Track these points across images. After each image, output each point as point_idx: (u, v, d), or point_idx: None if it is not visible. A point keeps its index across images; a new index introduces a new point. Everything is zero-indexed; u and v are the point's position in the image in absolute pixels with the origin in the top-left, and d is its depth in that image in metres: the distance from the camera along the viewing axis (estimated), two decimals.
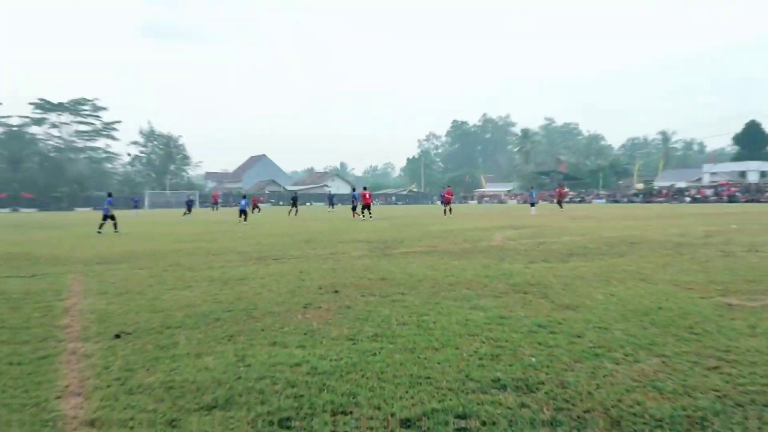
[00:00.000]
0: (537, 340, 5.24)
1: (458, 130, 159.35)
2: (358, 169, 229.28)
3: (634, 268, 9.51)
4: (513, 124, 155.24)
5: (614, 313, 6.20)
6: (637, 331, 5.47)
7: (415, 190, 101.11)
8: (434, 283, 8.33)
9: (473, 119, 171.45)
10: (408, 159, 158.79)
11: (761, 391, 3.94)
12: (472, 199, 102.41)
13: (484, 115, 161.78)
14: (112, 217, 23.21)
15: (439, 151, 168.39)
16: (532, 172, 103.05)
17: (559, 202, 43.20)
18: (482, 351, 4.94)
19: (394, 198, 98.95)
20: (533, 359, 4.71)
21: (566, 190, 43.18)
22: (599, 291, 7.50)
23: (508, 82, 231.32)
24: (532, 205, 39.68)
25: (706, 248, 12.31)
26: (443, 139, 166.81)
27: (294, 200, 43.09)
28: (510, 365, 4.58)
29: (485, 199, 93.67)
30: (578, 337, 5.32)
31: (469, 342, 5.22)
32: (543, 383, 4.18)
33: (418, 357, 4.80)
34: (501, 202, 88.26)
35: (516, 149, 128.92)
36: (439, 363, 4.66)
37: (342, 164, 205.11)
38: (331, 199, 53.26)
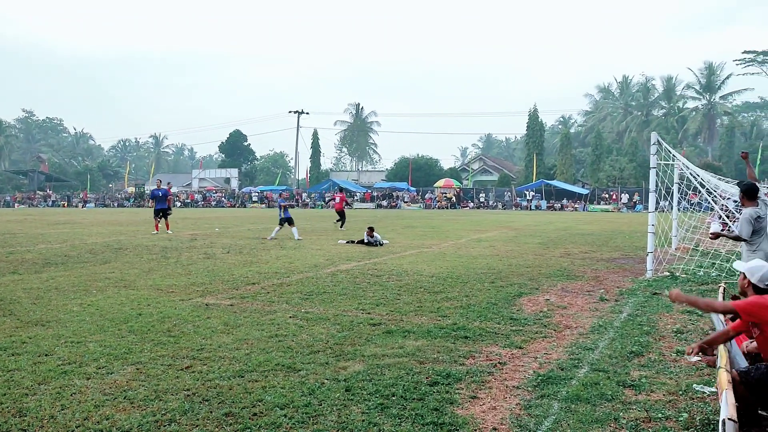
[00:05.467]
0: None
1: None
2: None
3: (118, 275, 9.20)
4: None
5: (90, 325, 5.79)
6: (114, 341, 5.23)
7: None
8: None
9: None
10: None
11: (228, 385, 4.15)
12: None
13: None
14: None
15: None
16: (6, 171, 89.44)
17: None
18: None
19: None
20: None
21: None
22: (76, 302, 6.94)
23: None
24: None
25: (191, 251, 12.81)
26: None
27: None
28: None
29: None
30: (46, 355, 4.76)
31: None
32: None
33: None
34: None
35: None
36: None
37: None
38: None
